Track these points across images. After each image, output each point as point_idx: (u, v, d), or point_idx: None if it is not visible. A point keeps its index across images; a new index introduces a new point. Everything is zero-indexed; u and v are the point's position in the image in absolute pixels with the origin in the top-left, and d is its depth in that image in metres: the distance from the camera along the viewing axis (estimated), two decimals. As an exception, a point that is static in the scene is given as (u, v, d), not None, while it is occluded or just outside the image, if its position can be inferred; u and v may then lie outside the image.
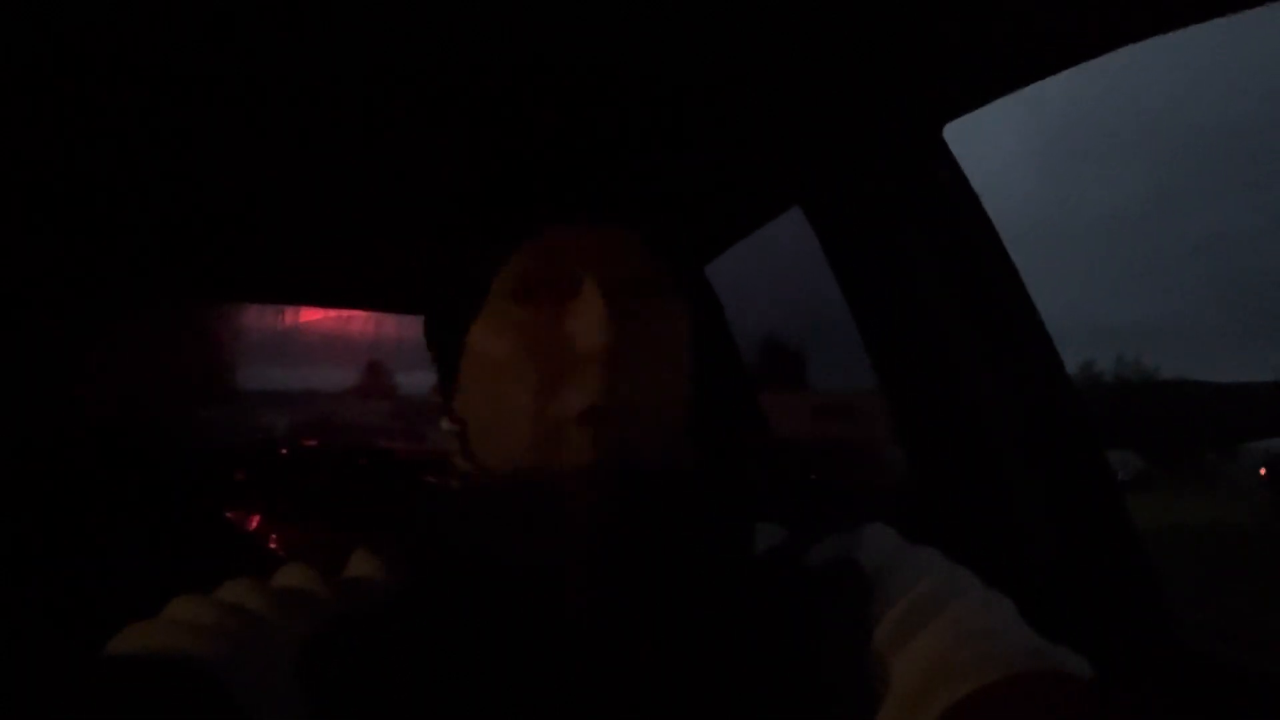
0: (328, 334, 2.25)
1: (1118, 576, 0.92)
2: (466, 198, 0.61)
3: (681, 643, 0.49)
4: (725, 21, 0.71)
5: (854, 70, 0.78)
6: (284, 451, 2.15)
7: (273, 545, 1.64)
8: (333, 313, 2.19)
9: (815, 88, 0.83)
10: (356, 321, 2.22)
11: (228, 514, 1.67)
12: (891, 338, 1.08)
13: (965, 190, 0.93)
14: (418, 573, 0.55)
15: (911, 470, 1.12)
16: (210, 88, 0.86)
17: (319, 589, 0.52)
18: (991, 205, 0.95)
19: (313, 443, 2.30)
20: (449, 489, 0.61)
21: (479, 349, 0.57)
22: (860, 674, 0.47)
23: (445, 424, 0.61)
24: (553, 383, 0.52)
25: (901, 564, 0.52)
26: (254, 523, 1.68)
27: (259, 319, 2.08)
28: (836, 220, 1.04)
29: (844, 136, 0.92)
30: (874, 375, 1.12)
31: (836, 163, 0.96)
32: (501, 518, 0.54)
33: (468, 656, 0.49)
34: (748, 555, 0.57)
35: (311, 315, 2.16)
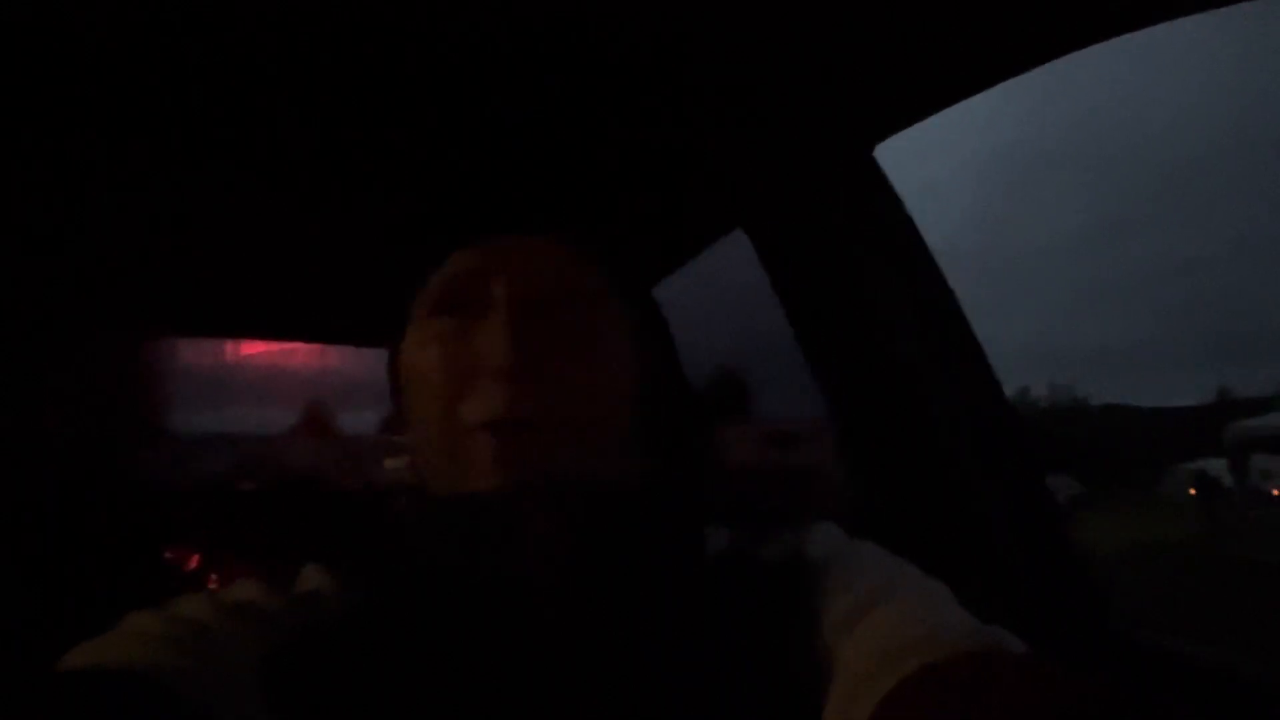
0: (270, 372, 2.21)
1: (1058, 577, 0.95)
2: (399, 212, 0.61)
3: (629, 646, 0.50)
4: (657, 38, 0.73)
5: (784, 90, 0.81)
6: (225, 489, 2.09)
7: (212, 585, 1.59)
8: (275, 349, 2.15)
9: (747, 107, 0.85)
10: (298, 357, 2.19)
11: (167, 553, 1.62)
12: (832, 356, 1.10)
13: (899, 211, 0.96)
14: (371, 587, 0.55)
15: (855, 492, 1.14)
16: (156, 113, 0.86)
17: (273, 603, 0.52)
18: (925, 233, 0.98)
19: (252, 481, 2.24)
20: (399, 505, 0.61)
21: (408, 360, 0.58)
22: (811, 661, 0.49)
23: (389, 461, 0.62)
24: (462, 394, 0.53)
25: (848, 558, 0.54)
26: (194, 562, 1.64)
27: (200, 356, 2.03)
28: (776, 242, 1.07)
29: (777, 157, 0.95)
30: (817, 404, 1.14)
31: (772, 184, 0.98)
32: (441, 533, 0.54)
33: (425, 671, 0.49)
34: (699, 556, 0.57)
35: (253, 351, 2.12)
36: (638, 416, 0.60)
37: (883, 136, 0.86)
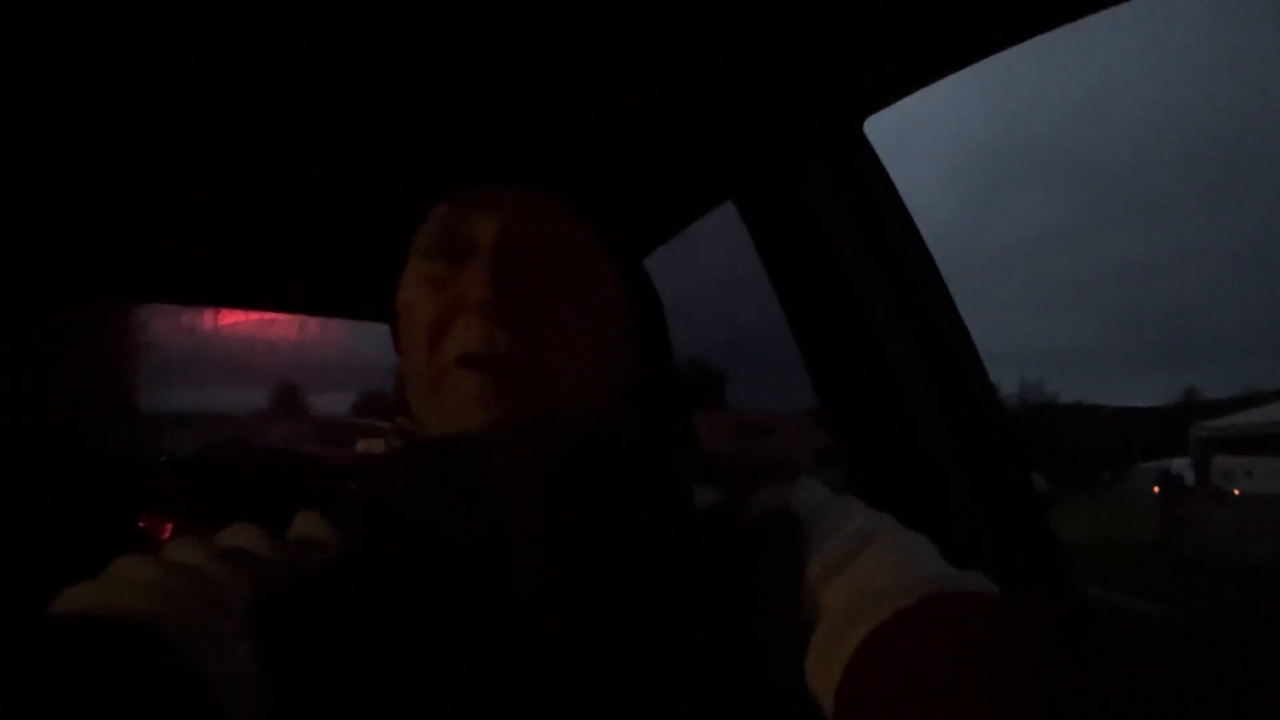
0: (246, 347, 2.19)
1: (1036, 565, 0.98)
2: (393, 160, 0.60)
3: (610, 590, 0.51)
4: (648, 3, 0.73)
5: (775, 59, 0.82)
6: (200, 460, 2.08)
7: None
8: (251, 323, 2.13)
9: (738, 77, 0.86)
10: (277, 328, 2.17)
11: (141, 522, 1.61)
12: (820, 333, 1.11)
13: (887, 186, 0.98)
14: (363, 531, 0.55)
15: (842, 475, 1.15)
16: (127, 83, 0.85)
17: (265, 547, 0.52)
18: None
19: (229, 450, 2.23)
20: (392, 449, 0.61)
21: (401, 302, 0.59)
22: (795, 607, 0.50)
23: (361, 445, 0.62)
24: (445, 331, 0.55)
25: (831, 510, 0.56)
26: (168, 531, 1.62)
27: (177, 326, 2.01)
28: (765, 214, 1.08)
29: (768, 128, 0.96)
30: (793, 396, 1.16)
31: (762, 155, 0.99)
32: (430, 475, 0.55)
33: (415, 613, 0.49)
34: (684, 505, 0.59)
35: (231, 323, 2.10)
36: (624, 368, 0.61)
37: (873, 109, 0.87)
